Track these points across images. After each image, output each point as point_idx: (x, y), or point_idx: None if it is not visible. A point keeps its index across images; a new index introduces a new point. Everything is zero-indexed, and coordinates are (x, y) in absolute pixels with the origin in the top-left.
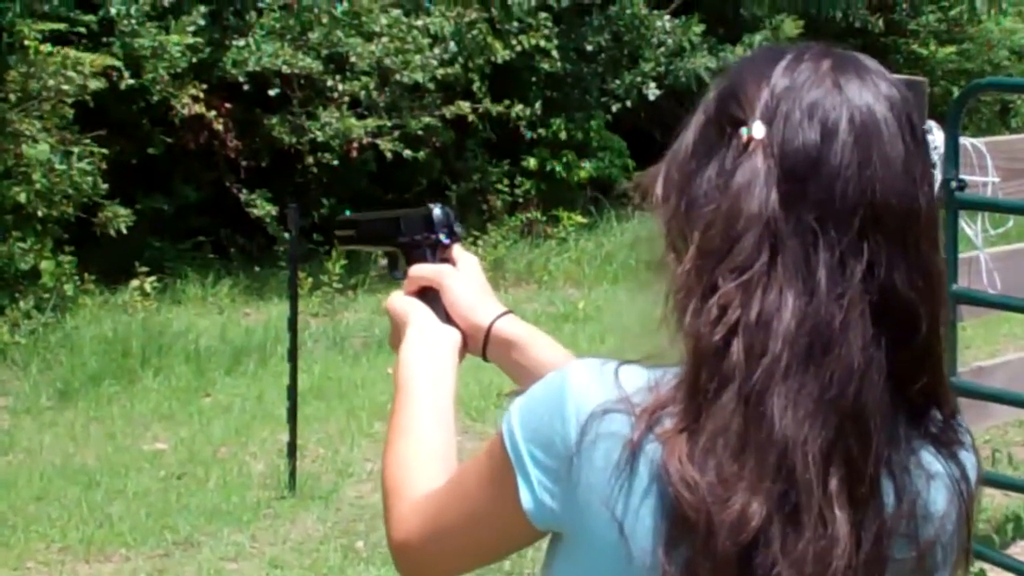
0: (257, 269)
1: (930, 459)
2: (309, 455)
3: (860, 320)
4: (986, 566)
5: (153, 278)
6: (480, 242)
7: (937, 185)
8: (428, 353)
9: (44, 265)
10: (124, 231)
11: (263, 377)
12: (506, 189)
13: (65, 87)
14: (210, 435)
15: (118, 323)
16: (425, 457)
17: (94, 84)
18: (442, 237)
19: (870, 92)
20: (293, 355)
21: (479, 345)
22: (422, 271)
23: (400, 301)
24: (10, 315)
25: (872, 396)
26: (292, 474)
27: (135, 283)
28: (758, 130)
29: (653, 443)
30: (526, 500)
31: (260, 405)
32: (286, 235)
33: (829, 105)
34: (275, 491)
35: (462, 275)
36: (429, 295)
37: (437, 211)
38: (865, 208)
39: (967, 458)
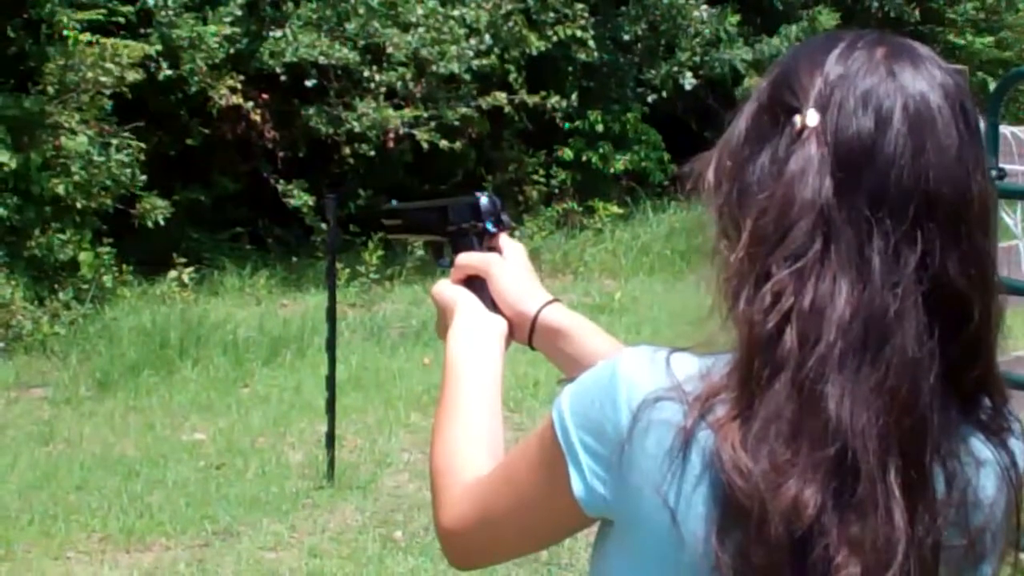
0: (294, 260)
1: (980, 446)
2: (347, 445)
3: (914, 309)
4: None
5: (191, 269)
6: (516, 233)
7: None
8: (475, 341)
9: (83, 256)
10: (162, 222)
11: (301, 368)
12: (542, 180)
13: (103, 79)
14: (249, 425)
15: (156, 314)
16: (473, 443)
17: (132, 75)
18: (489, 225)
19: (924, 80)
20: (332, 345)
21: (525, 333)
22: (469, 259)
23: (447, 289)
24: (49, 306)
25: (927, 386)
26: (331, 464)
27: (173, 274)
28: (812, 118)
29: (705, 430)
30: (577, 487)
31: (298, 396)
32: (324, 225)
33: (883, 93)
34: (314, 481)
35: (509, 263)
36: (476, 283)
37: (484, 200)
38: (919, 197)
39: (1016, 445)
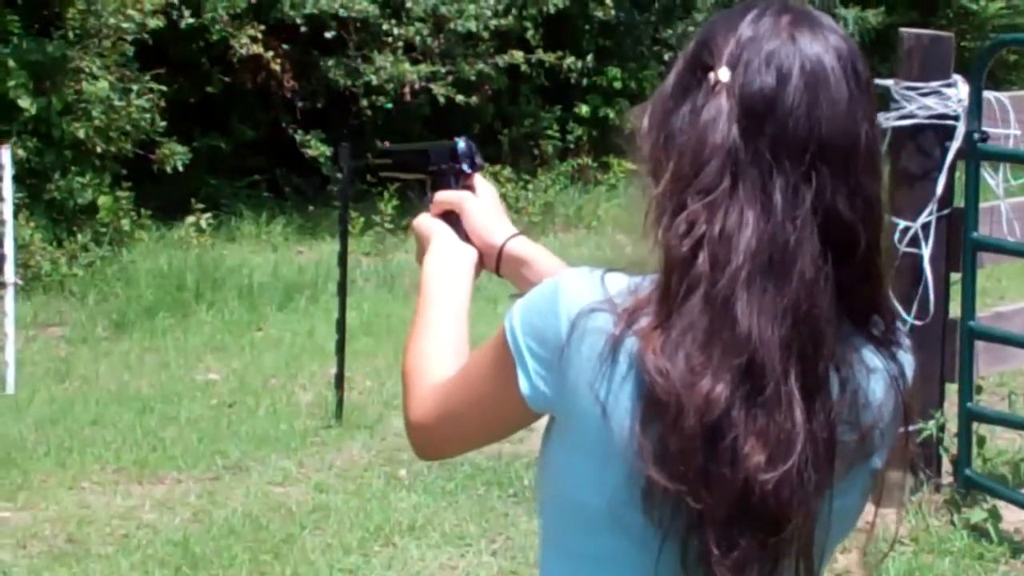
0: (311, 209)
1: (871, 356)
2: (356, 387)
3: (811, 238)
4: (999, 503)
5: (209, 215)
6: (530, 186)
7: (960, 136)
8: (448, 265)
9: (102, 200)
10: (180, 168)
11: (314, 313)
12: (557, 135)
13: (125, 25)
14: (261, 367)
15: (173, 258)
16: (441, 350)
17: (153, 22)
18: (465, 167)
19: (820, 44)
20: (342, 288)
21: (493, 262)
22: (446, 196)
23: (426, 221)
24: (68, 247)
25: (822, 302)
26: (339, 404)
27: (191, 219)
28: (724, 74)
29: (632, 337)
30: (524, 386)
31: (310, 340)
32: (339, 175)
33: (784, 54)
34: (322, 420)
35: (481, 201)
36: (451, 218)
37: (461, 144)
38: (813, 143)
39: (905, 358)
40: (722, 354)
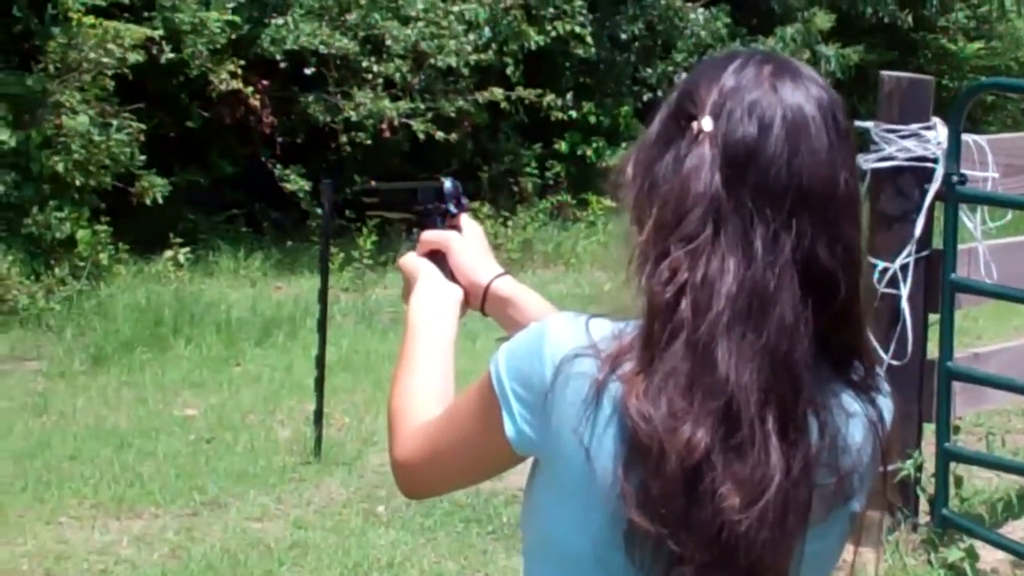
0: (289, 244)
1: (849, 401)
2: (335, 423)
3: (790, 285)
4: (976, 543)
5: (187, 249)
6: (509, 223)
7: (939, 178)
8: (434, 304)
9: (80, 234)
10: (160, 202)
11: (292, 349)
12: (536, 172)
13: (105, 59)
14: (239, 403)
15: (151, 292)
16: (427, 390)
17: (133, 57)
18: (451, 207)
19: (801, 94)
20: (322, 325)
21: (479, 301)
22: (432, 235)
23: (412, 260)
24: (45, 281)
25: (801, 348)
26: (318, 441)
27: (169, 253)
28: (707, 124)
29: (615, 382)
30: (509, 429)
31: (289, 375)
32: (319, 210)
33: (766, 104)
34: (301, 457)
35: (466, 240)
36: (437, 257)
37: (448, 184)
38: (794, 191)
39: (884, 403)
40: (703, 399)
